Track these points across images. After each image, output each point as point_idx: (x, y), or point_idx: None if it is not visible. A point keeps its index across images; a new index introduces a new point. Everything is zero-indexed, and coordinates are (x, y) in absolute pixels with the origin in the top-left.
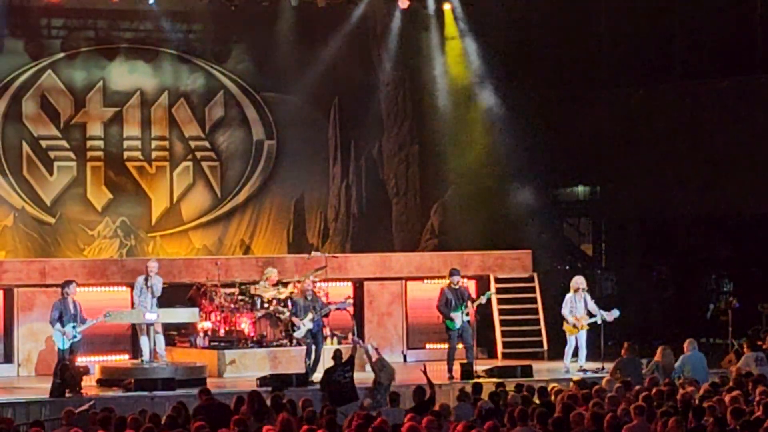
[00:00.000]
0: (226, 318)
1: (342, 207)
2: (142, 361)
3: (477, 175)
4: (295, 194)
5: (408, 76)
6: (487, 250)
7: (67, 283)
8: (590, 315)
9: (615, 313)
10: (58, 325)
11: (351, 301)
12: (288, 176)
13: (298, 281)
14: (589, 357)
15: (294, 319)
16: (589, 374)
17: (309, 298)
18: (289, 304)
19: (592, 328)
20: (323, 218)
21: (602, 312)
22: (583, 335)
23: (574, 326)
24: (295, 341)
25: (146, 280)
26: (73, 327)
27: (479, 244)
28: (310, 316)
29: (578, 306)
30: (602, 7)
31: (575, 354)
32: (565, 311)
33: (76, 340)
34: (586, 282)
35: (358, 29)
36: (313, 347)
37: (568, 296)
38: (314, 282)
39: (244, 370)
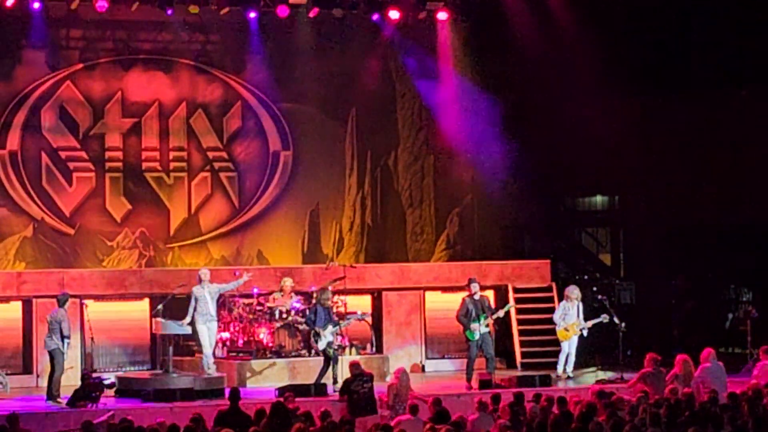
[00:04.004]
0: (244, 328)
1: (357, 218)
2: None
3: (493, 185)
4: (310, 204)
5: (423, 86)
6: (504, 260)
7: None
8: (587, 319)
9: (602, 318)
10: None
11: (369, 313)
12: (304, 187)
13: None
14: (608, 366)
15: (318, 328)
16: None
17: (326, 308)
18: (314, 311)
19: (610, 338)
20: (338, 229)
21: (585, 323)
22: (574, 342)
23: (566, 330)
24: (314, 351)
25: (202, 288)
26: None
27: (495, 254)
28: (330, 328)
29: (571, 313)
30: (618, 13)
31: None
32: (556, 317)
33: None
34: (580, 292)
35: (375, 39)
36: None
37: (562, 303)
38: (333, 293)
39: (263, 381)
